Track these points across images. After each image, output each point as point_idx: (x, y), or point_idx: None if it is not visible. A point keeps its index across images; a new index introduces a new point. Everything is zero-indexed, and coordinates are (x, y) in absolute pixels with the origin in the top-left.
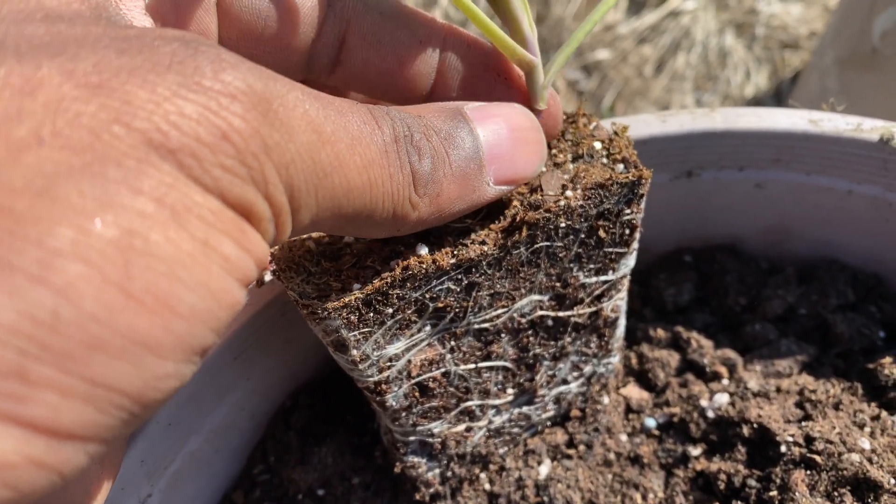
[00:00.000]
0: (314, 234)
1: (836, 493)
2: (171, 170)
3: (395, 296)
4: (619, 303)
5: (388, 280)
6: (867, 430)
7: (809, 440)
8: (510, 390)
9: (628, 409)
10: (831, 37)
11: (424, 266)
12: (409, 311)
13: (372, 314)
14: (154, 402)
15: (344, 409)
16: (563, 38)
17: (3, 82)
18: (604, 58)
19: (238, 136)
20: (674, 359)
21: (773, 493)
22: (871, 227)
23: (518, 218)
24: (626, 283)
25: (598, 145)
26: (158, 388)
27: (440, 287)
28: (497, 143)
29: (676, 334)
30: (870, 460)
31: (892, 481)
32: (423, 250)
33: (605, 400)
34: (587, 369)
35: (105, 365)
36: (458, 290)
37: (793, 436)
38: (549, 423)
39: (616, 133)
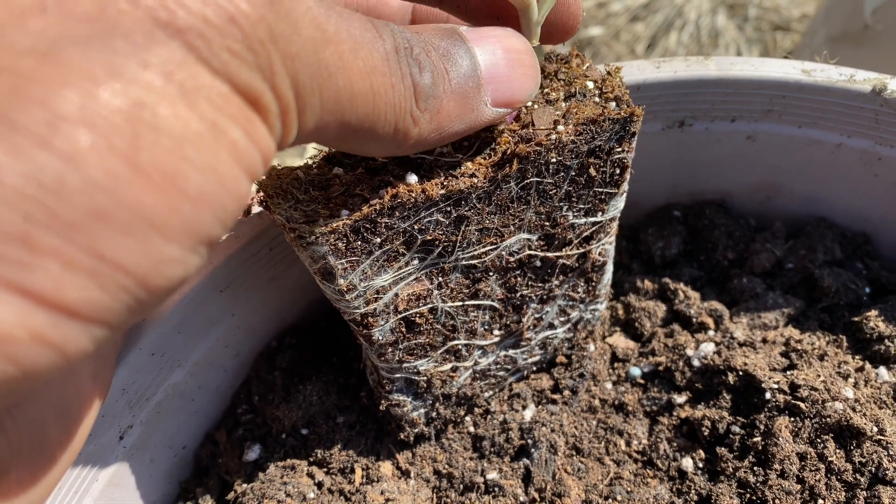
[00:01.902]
0: (302, 164)
1: (818, 440)
2: (180, 48)
3: (383, 224)
4: (607, 247)
5: (377, 207)
6: (851, 380)
7: (794, 387)
8: (497, 331)
9: (614, 358)
10: (823, 16)
11: (413, 195)
12: (398, 242)
13: (360, 242)
14: (159, 290)
15: (330, 352)
16: None
17: None
18: (596, 34)
19: (245, 20)
20: (660, 309)
21: (757, 438)
22: (859, 183)
23: (509, 151)
24: (614, 226)
25: (590, 85)
26: (164, 274)
27: (429, 219)
28: (493, 63)
29: (664, 285)
30: (853, 409)
31: (875, 429)
32: (413, 179)
33: (591, 347)
34: (574, 314)
35: (110, 239)
36: (447, 222)
37: (777, 383)
38: (534, 369)
39: (609, 73)
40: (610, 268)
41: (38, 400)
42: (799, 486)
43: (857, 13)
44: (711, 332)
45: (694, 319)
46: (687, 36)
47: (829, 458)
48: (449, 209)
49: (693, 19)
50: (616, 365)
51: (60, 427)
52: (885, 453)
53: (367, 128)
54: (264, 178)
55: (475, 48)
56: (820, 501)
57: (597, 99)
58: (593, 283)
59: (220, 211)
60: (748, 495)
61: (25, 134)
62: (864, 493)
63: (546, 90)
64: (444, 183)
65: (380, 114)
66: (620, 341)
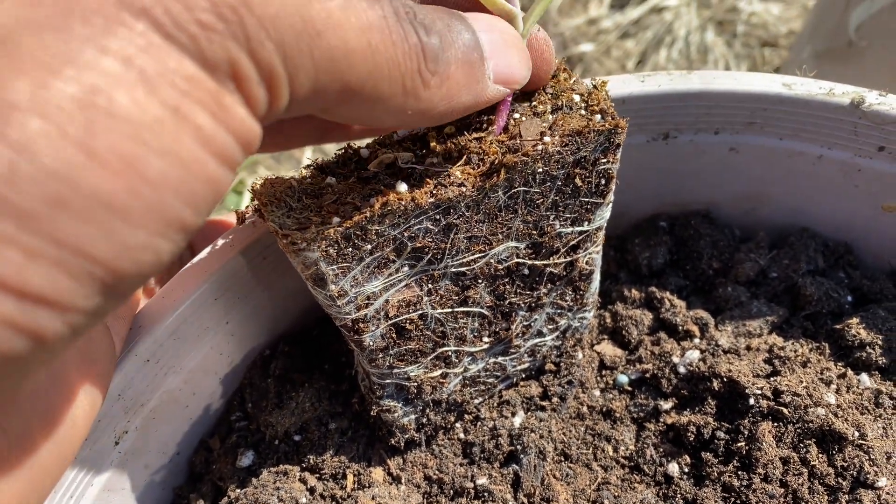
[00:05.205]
0: (296, 175)
1: (801, 445)
2: (146, 30)
3: (373, 231)
4: (594, 256)
5: (368, 215)
6: (833, 386)
7: (777, 393)
8: (486, 338)
9: (602, 365)
10: (809, 32)
11: (403, 203)
12: (388, 249)
13: (351, 249)
14: (129, 276)
15: (322, 359)
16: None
17: None
18: (587, 51)
19: None
20: (647, 317)
21: (741, 443)
22: (841, 194)
23: (497, 161)
24: (601, 236)
25: (577, 98)
26: (132, 259)
27: (418, 226)
28: (490, 40)
29: (650, 294)
30: (835, 414)
31: (857, 434)
32: (403, 187)
33: (580, 355)
34: (562, 322)
35: (70, 226)
36: (437, 230)
37: (761, 389)
38: (523, 376)
39: (595, 87)
40: (597, 276)
41: (25, 405)
42: (782, 490)
43: (841, 30)
44: (697, 340)
45: (680, 327)
46: (676, 52)
47: (812, 463)
48: (438, 217)
49: (682, 36)
50: (604, 372)
51: (48, 436)
52: (867, 457)
53: (370, 88)
54: (259, 186)
55: (473, 24)
56: None
57: (583, 111)
58: (581, 292)
59: (186, 194)
60: (733, 499)
61: None
62: (846, 496)
63: (534, 103)
64: (434, 191)
65: (382, 71)
66: (608, 349)
